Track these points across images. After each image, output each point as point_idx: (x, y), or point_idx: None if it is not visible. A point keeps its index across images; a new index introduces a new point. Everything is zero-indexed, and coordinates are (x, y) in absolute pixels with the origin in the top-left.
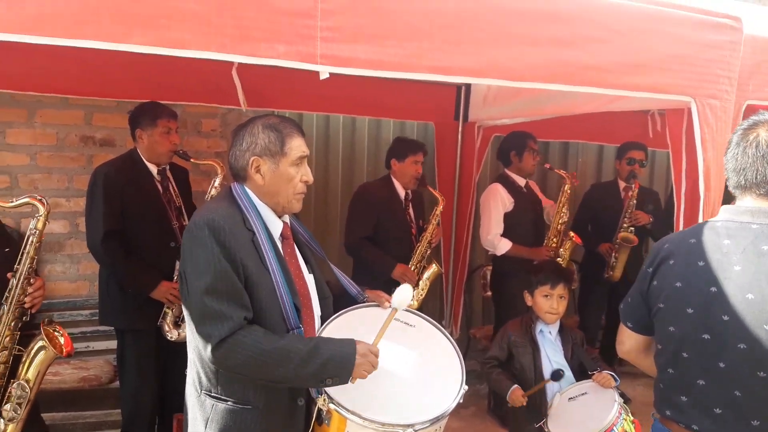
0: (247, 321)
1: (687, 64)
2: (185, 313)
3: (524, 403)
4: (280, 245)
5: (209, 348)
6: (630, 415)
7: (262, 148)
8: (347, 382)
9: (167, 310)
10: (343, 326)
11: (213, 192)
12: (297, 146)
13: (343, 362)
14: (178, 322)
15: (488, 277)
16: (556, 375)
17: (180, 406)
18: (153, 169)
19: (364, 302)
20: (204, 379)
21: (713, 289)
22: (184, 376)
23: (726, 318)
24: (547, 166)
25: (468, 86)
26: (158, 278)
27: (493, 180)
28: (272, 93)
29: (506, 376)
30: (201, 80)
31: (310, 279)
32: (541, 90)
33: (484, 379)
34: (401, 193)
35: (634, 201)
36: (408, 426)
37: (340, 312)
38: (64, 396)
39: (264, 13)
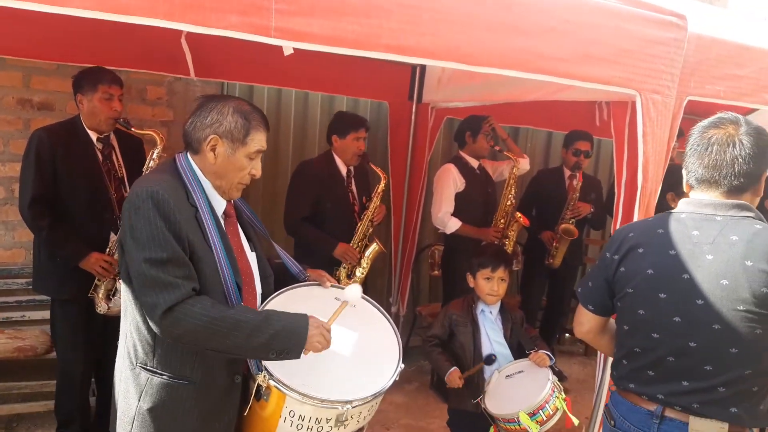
0: (194, 292)
1: (633, 58)
2: (122, 285)
3: (461, 385)
4: (222, 222)
5: (156, 316)
6: (563, 393)
7: (225, 129)
8: (299, 356)
9: (98, 283)
10: (284, 304)
11: (151, 164)
12: (258, 140)
13: (295, 334)
14: (110, 296)
15: (436, 256)
16: (489, 360)
17: None
18: (94, 136)
19: (305, 281)
20: (141, 351)
21: (686, 276)
22: None
23: (700, 302)
24: (497, 148)
25: (423, 67)
26: (88, 248)
27: (447, 161)
28: (222, 63)
29: (445, 357)
30: (148, 47)
31: (252, 257)
32: (494, 75)
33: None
34: (343, 169)
35: (577, 194)
36: (346, 402)
37: (281, 290)
38: None
39: None
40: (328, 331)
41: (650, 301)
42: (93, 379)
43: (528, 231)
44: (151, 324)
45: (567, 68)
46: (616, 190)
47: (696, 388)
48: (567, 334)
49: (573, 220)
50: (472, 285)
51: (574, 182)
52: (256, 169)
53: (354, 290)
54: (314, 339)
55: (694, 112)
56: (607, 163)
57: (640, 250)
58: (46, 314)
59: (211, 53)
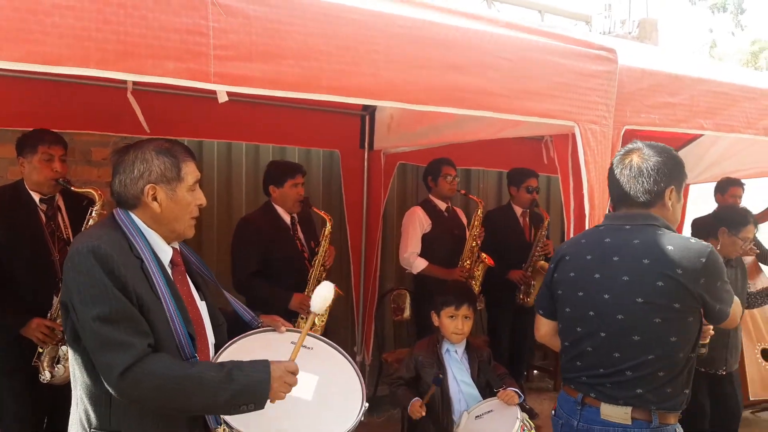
0: (150, 348)
1: (570, 91)
2: (69, 349)
3: (423, 414)
4: (170, 272)
5: (113, 378)
6: (533, 430)
7: (157, 175)
8: (263, 407)
9: (41, 350)
10: (238, 353)
11: (90, 222)
12: (191, 171)
13: (258, 388)
14: (54, 363)
15: (399, 300)
16: (437, 380)
17: None
18: (36, 197)
19: (259, 327)
20: (93, 416)
21: (597, 275)
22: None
23: (607, 296)
24: (462, 192)
25: (372, 115)
26: (28, 315)
27: (403, 205)
28: (171, 119)
29: (409, 391)
30: (92, 107)
31: (202, 306)
32: (440, 117)
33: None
34: (286, 218)
35: (545, 231)
36: None
37: (235, 339)
38: None
39: (151, 30)
40: (293, 372)
41: (572, 299)
42: None
43: (489, 270)
44: (107, 386)
45: (505, 103)
46: (565, 219)
47: (608, 374)
48: (535, 371)
49: (543, 257)
50: (437, 324)
51: (527, 219)
52: (200, 198)
53: (320, 295)
54: (277, 387)
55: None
56: (559, 199)
57: (567, 258)
58: None
59: (158, 109)
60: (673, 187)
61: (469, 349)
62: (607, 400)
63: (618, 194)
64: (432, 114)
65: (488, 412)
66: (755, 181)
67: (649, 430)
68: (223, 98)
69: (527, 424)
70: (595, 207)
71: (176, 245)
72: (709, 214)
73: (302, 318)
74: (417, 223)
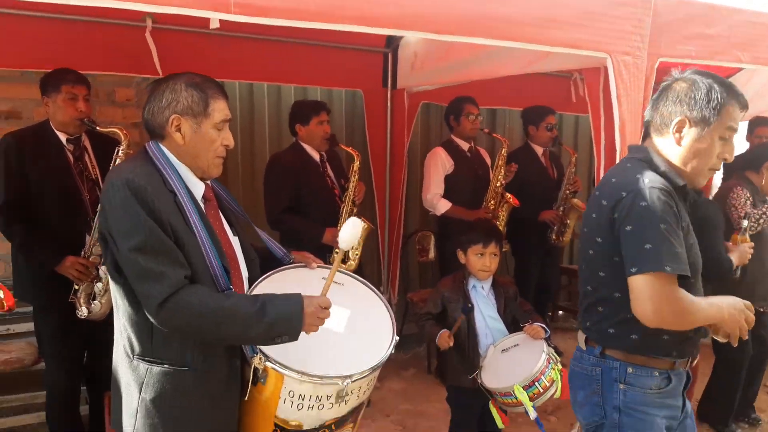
0: (187, 279)
1: (600, 20)
2: (110, 280)
3: (451, 344)
4: (203, 207)
5: (152, 308)
6: (559, 364)
7: (184, 106)
8: (297, 339)
9: (77, 287)
10: (271, 288)
11: (117, 162)
12: (221, 109)
13: (291, 320)
14: (90, 300)
15: (423, 242)
16: (465, 309)
17: (109, 383)
18: (63, 138)
19: (290, 264)
20: (136, 343)
21: (593, 214)
22: (110, 352)
23: (585, 230)
24: (486, 130)
25: (395, 52)
26: (62, 252)
27: (426, 145)
28: (189, 60)
29: (436, 325)
30: (112, 47)
31: (235, 241)
32: (466, 53)
33: (423, 342)
34: (315, 156)
35: (574, 168)
36: (345, 377)
37: (267, 273)
38: None
39: None
40: (325, 306)
41: (582, 239)
42: (85, 388)
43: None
44: (147, 315)
45: (534, 33)
46: (595, 156)
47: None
48: (560, 311)
49: (573, 194)
50: (463, 261)
51: (548, 158)
52: (228, 139)
53: (348, 231)
54: (310, 321)
55: None
56: (587, 140)
57: (591, 197)
58: (30, 326)
59: (178, 50)
60: (685, 118)
61: (495, 285)
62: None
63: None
64: (457, 50)
65: (514, 345)
66: None
67: (594, 358)
68: (214, 24)
69: (553, 357)
70: (627, 142)
71: (208, 181)
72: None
73: (335, 252)
74: (439, 164)
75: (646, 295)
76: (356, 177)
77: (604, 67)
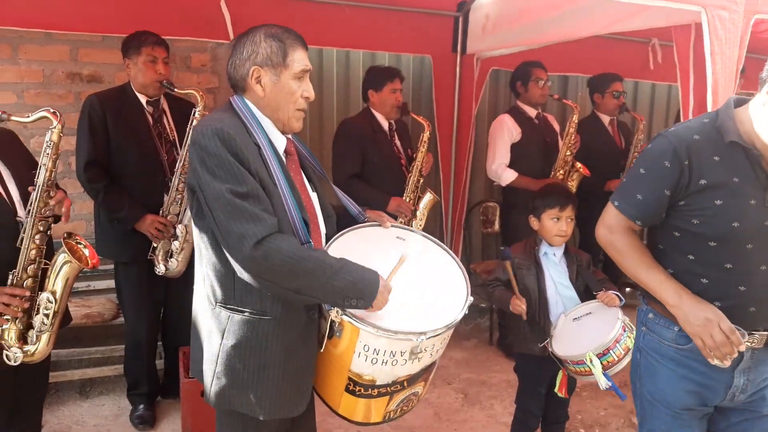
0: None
1: None
2: (194, 228)
3: (524, 306)
4: (285, 160)
5: (246, 247)
6: (634, 332)
7: (263, 57)
8: (366, 307)
9: (155, 245)
10: (346, 246)
11: (194, 123)
12: (300, 59)
13: (369, 286)
14: (167, 257)
15: (489, 213)
16: (506, 253)
17: (184, 338)
18: (143, 99)
19: (365, 222)
20: (219, 291)
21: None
22: (185, 308)
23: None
24: (555, 96)
25: (466, 16)
26: (142, 210)
27: (494, 113)
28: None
29: (506, 291)
30: (188, 13)
31: (314, 197)
32: (541, 13)
33: (485, 313)
34: (384, 124)
35: (642, 135)
36: (420, 334)
37: (343, 231)
38: (68, 333)
39: None
40: (389, 291)
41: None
42: (160, 343)
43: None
44: (237, 256)
45: None
46: (682, 121)
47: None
48: (627, 288)
49: None
50: (536, 227)
51: (615, 127)
52: (308, 90)
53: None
54: (381, 296)
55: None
56: (663, 109)
57: None
58: (110, 283)
59: (250, 15)
60: None
61: (567, 253)
62: None
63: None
64: (532, 10)
65: (587, 314)
66: None
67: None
68: None
69: (628, 326)
70: (718, 104)
71: (289, 136)
72: None
73: (400, 221)
74: (505, 132)
75: (601, 217)
76: (425, 147)
77: (695, 23)
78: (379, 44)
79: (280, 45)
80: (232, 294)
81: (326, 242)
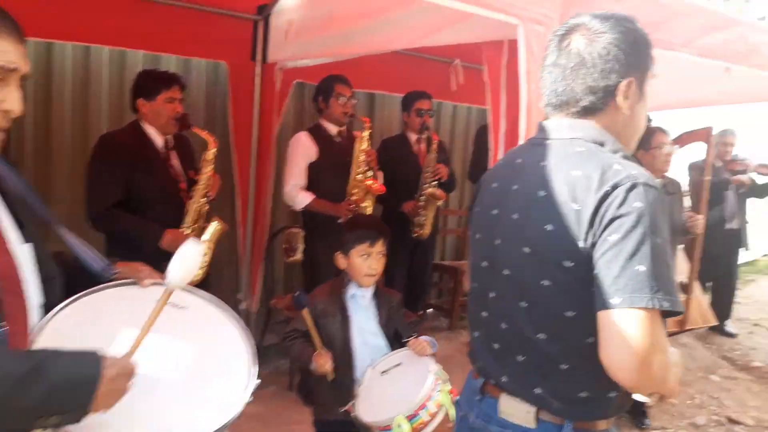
0: None
1: None
2: None
3: (329, 363)
4: None
5: None
6: (448, 383)
7: None
8: (80, 420)
9: None
10: (76, 320)
11: None
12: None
13: (80, 389)
14: None
15: (291, 240)
16: (298, 301)
17: None
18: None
19: (112, 280)
20: None
21: (495, 211)
22: None
23: (498, 242)
24: (351, 114)
25: (267, 20)
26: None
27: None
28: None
29: (307, 344)
30: None
31: (22, 251)
32: (350, 23)
33: (286, 354)
34: (157, 140)
35: (435, 154)
36: None
37: (74, 297)
38: None
39: None
40: (128, 374)
41: (473, 243)
42: None
43: (382, 203)
44: None
45: None
46: (492, 143)
47: (501, 353)
48: (429, 309)
49: (435, 183)
50: (343, 267)
51: (422, 146)
52: (11, 101)
53: (182, 263)
54: (107, 398)
55: None
56: (462, 129)
57: (480, 187)
58: None
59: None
60: (632, 78)
61: (377, 294)
62: (508, 391)
63: (552, 97)
64: (341, 18)
65: (396, 366)
66: None
67: None
68: None
69: (442, 376)
70: (532, 125)
71: None
72: None
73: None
74: (300, 151)
75: (631, 341)
76: (210, 168)
77: (508, 40)
78: (164, 45)
79: None
80: None
81: (41, 318)
